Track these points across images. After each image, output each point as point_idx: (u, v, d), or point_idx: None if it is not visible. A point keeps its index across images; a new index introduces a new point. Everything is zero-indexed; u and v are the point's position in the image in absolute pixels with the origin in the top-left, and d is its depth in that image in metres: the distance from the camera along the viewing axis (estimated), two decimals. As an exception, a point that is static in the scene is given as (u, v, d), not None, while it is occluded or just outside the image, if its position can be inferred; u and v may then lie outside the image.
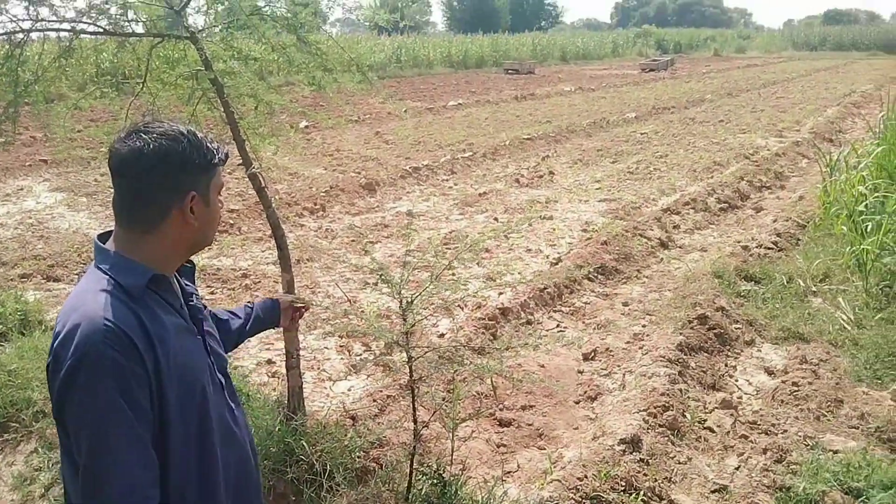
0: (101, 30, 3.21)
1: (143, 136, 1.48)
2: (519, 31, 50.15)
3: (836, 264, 5.73)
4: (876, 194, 6.04)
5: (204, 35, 3.16)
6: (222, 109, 3.20)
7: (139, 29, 3.33)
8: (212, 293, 5.49)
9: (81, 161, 9.16)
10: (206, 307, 1.94)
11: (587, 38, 47.01)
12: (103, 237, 1.58)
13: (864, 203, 6.02)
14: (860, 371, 4.20)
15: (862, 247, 5.40)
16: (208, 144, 1.56)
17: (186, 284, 1.70)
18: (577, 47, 42.60)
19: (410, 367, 2.70)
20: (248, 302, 2.29)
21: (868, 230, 5.63)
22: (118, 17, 3.25)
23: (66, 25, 3.13)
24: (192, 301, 1.67)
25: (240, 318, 2.14)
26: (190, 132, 1.53)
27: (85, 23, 3.23)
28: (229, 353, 2.22)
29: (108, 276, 1.47)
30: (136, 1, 3.18)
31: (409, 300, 2.62)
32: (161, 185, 1.50)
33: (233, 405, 1.71)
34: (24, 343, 4.20)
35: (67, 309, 1.44)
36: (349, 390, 4.07)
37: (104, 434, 1.35)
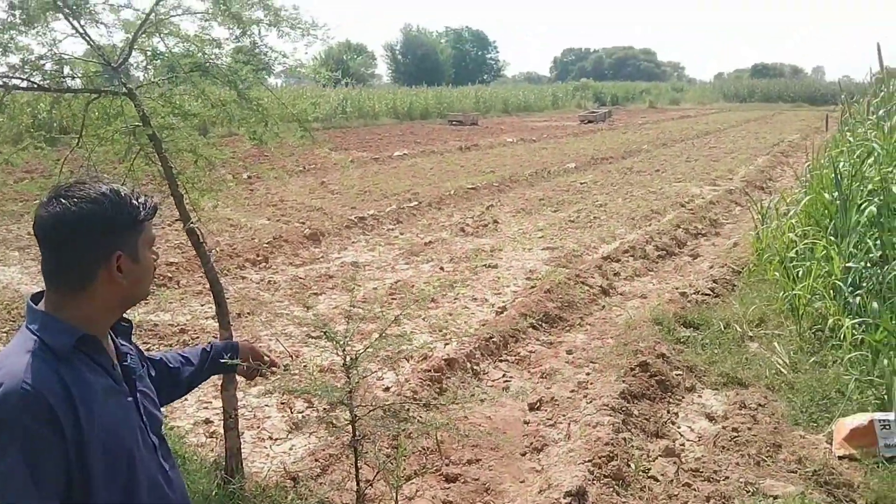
0: (36, 85, 3.15)
1: (64, 201, 1.48)
2: (462, 85, 51.33)
3: (771, 309, 5.91)
4: (805, 241, 6.29)
5: (142, 91, 3.13)
6: (160, 164, 3.16)
7: (76, 84, 3.28)
8: (147, 350, 5.30)
9: (13, 215, 8.86)
10: (149, 360, 1.94)
11: (528, 91, 48.37)
12: (36, 297, 1.57)
13: (795, 250, 6.26)
14: (797, 415, 4.29)
15: (794, 292, 5.60)
16: (133, 201, 1.55)
17: (122, 344, 1.68)
18: (518, 99, 43.78)
19: (354, 426, 2.65)
20: (208, 343, 2.26)
21: (799, 276, 5.84)
22: (54, 72, 3.20)
23: (-3, 81, 3.06)
24: (126, 361, 1.65)
25: (193, 364, 2.11)
26: (112, 192, 1.53)
27: (18, 78, 3.17)
28: (173, 403, 2.22)
29: (35, 337, 1.46)
30: (73, 57, 3.14)
31: (354, 357, 2.58)
32: (85, 248, 1.50)
33: (167, 467, 1.68)
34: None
35: None
36: (290, 450, 3.96)
37: (2, 496, 1.35)
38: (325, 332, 2.70)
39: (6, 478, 1.34)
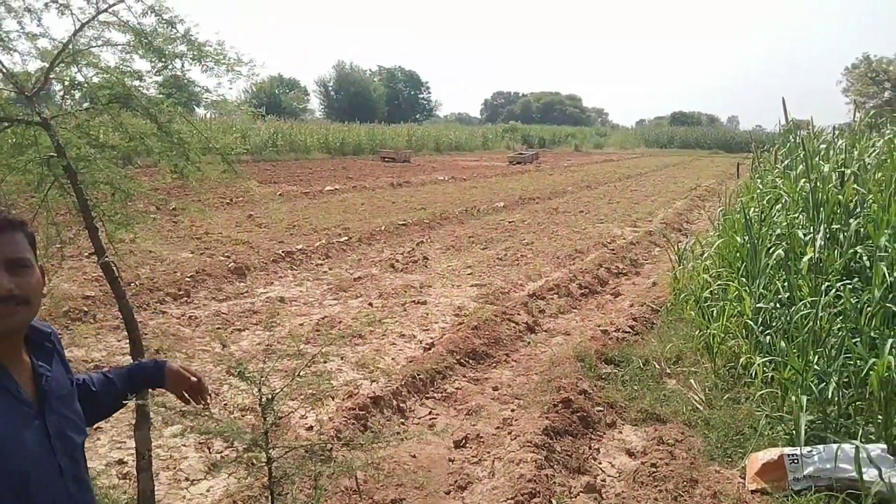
0: (-58, 111, 3.02)
1: None
2: (395, 123, 51.78)
3: (688, 347, 6.09)
4: (719, 282, 6.55)
5: (58, 121, 3.04)
6: (75, 196, 3.06)
7: (-15, 111, 3.16)
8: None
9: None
10: (72, 381, 1.85)
11: (459, 131, 49.22)
12: None
13: (709, 290, 6.50)
14: (712, 450, 4.40)
15: (709, 331, 5.80)
16: None
17: (40, 365, 1.64)
18: (450, 139, 44.45)
19: (270, 469, 2.58)
20: (134, 364, 2.21)
21: (714, 315, 6.06)
22: (-38, 97, 3.07)
23: None
24: (42, 382, 1.61)
25: (117, 386, 2.06)
26: None
27: (-77, 103, 3.03)
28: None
29: None
30: (-17, 83, 3.03)
31: (270, 397, 2.53)
32: None
33: (72, 490, 1.63)
34: None
35: None
36: (208, 491, 3.82)
37: None
38: (238, 372, 2.64)
39: None
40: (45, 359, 1.68)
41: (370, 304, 7.73)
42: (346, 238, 11.28)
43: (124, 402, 2.09)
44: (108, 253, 3.08)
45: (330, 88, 74.98)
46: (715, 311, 6.06)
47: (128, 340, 3.13)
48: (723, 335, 5.68)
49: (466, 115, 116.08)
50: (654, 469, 4.15)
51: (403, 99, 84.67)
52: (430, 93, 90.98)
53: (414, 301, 7.87)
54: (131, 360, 3.16)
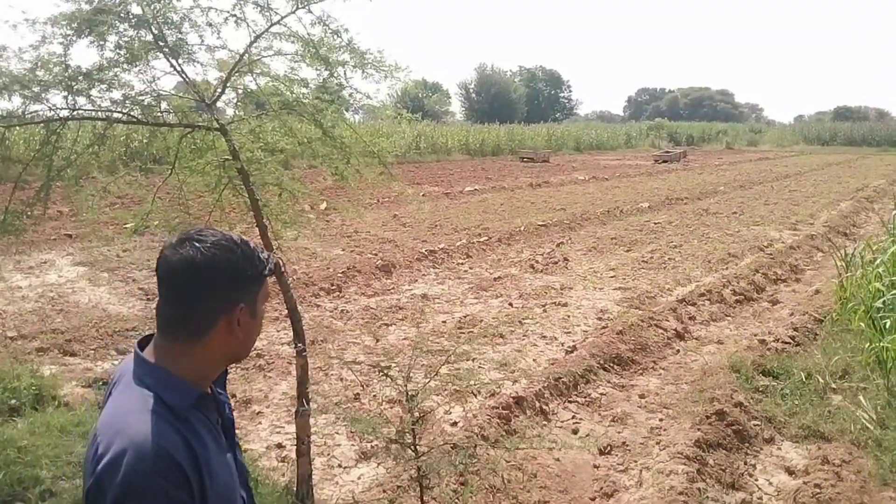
0: (135, 119, 3.35)
1: (196, 244, 1.42)
2: (534, 122, 51.53)
3: (856, 361, 5.63)
4: (893, 291, 5.99)
5: (233, 126, 3.29)
6: (247, 196, 3.30)
7: (171, 118, 3.48)
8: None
9: (105, 239, 9.36)
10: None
11: (601, 130, 48.14)
12: (142, 343, 1.53)
13: (882, 300, 5.97)
14: (885, 474, 4.05)
15: (882, 344, 5.33)
16: (259, 255, 1.51)
17: (219, 393, 1.60)
18: (591, 138, 43.62)
19: (418, 465, 2.64)
20: None
21: (886, 327, 5.56)
22: (151, 106, 3.40)
23: (101, 115, 3.27)
24: (226, 411, 1.58)
25: None
26: (242, 242, 1.49)
27: (120, 112, 3.38)
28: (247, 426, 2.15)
29: (153, 394, 1.39)
30: (170, 93, 3.33)
31: (415, 392, 2.59)
32: (212, 296, 1.44)
33: None
34: (36, 419, 4.18)
35: (109, 429, 1.35)
36: (359, 479, 3.99)
37: None
38: (383, 371, 2.72)
39: None
40: (221, 385, 1.64)
41: (510, 305, 7.75)
42: (486, 238, 11.38)
43: None
44: (275, 249, 3.29)
45: (471, 90, 75.89)
46: (888, 323, 5.57)
47: (286, 330, 3.34)
48: (898, 349, 5.19)
49: (608, 112, 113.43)
50: (817, 490, 3.87)
51: (544, 98, 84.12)
52: (571, 91, 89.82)
53: (554, 303, 7.80)
54: (293, 347, 3.36)
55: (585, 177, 23.32)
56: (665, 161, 31.92)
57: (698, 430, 4.44)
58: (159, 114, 3.43)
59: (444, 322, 7.04)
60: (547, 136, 40.34)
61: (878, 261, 6.84)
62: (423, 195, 16.31)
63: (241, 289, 1.49)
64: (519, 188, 19.46)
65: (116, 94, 3.33)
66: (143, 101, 3.38)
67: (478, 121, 54.56)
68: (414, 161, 28.20)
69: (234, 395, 5.01)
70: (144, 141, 3.58)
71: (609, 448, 4.45)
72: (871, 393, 5.07)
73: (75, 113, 3.35)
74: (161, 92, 3.45)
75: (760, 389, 5.31)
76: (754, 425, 4.70)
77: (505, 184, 20.38)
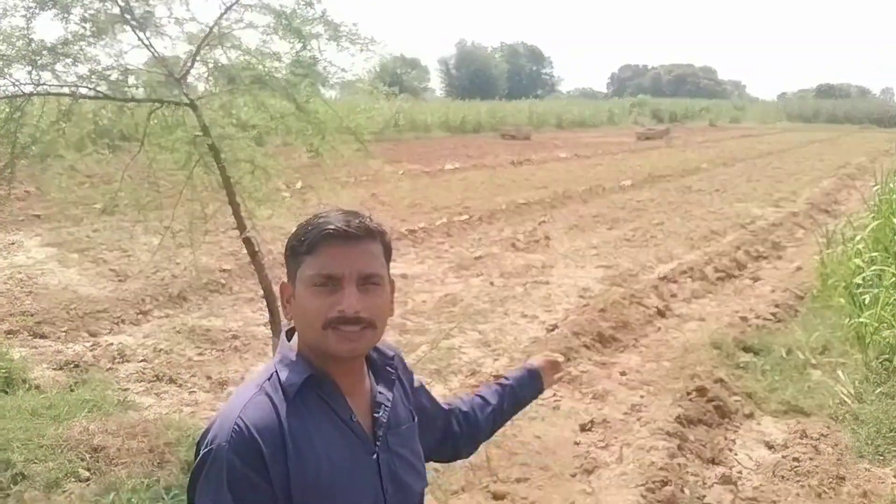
0: (101, 94, 3.25)
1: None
2: (516, 99, 51.32)
3: (835, 337, 5.68)
4: (873, 267, 6.04)
5: (203, 101, 3.19)
6: (219, 173, 3.21)
7: (139, 94, 3.37)
8: (200, 354, 5.41)
9: (74, 219, 9.15)
10: (442, 409, 1.69)
11: (583, 107, 48.07)
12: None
13: (862, 276, 6.02)
14: (862, 447, 4.11)
15: (860, 320, 5.38)
16: (309, 229, 1.37)
17: (380, 392, 1.44)
18: (573, 115, 43.48)
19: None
20: (503, 378, 1.91)
21: (866, 303, 5.61)
22: (119, 81, 3.29)
23: (66, 90, 3.17)
24: (378, 413, 1.41)
25: (490, 403, 1.80)
26: (317, 217, 1.40)
27: (86, 87, 3.27)
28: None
29: (273, 371, 1.36)
30: (138, 67, 3.23)
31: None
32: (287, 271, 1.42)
33: None
34: (6, 402, 4.10)
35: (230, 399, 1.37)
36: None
37: None
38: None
39: None
40: (387, 385, 1.47)
41: (492, 283, 7.71)
42: (467, 217, 11.32)
43: (504, 420, 1.86)
44: (249, 227, 3.22)
45: (451, 66, 75.46)
46: (868, 299, 5.63)
47: (263, 311, 3.29)
48: (876, 325, 5.25)
49: (591, 89, 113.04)
50: (796, 463, 3.93)
51: (525, 75, 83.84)
52: (552, 68, 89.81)
53: (536, 281, 7.78)
54: (269, 329, 3.30)
55: (567, 154, 23.26)
56: (648, 138, 31.94)
57: (679, 406, 4.46)
58: (127, 89, 3.32)
59: (424, 301, 7.00)
60: (529, 113, 40.16)
61: (858, 237, 6.89)
62: (402, 173, 16.20)
63: (288, 266, 1.42)
64: (500, 166, 19.38)
65: (82, 69, 3.23)
66: (109, 75, 3.28)
67: (458, 97, 54.23)
68: (393, 138, 27.94)
69: (209, 377, 4.95)
70: (112, 118, 3.46)
71: (590, 425, 4.44)
72: (850, 368, 5.12)
73: (39, 88, 3.25)
74: (128, 66, 3.34)
75: (741, 366, 5.34)
76: (735, 401, 4.73)
77: (486, 161, 20.27)
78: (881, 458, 4.00)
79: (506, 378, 1.88)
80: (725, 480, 3.79)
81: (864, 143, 30.29)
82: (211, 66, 3.29)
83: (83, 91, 3.27)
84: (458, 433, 1.72)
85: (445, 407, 1.71)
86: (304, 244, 1.36)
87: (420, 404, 1.60)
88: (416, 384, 1.61)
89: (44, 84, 3.24)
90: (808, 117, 55.52)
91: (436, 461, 1.77)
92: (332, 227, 1.34)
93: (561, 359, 1.99)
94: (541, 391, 1.91)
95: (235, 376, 5.02)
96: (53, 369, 4.84)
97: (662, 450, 3.90)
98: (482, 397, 1.80)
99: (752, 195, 14.34)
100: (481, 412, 1.77)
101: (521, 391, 1.86)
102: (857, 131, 42.81)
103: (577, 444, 4.25)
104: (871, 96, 78.83)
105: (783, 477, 3.82)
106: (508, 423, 1.90)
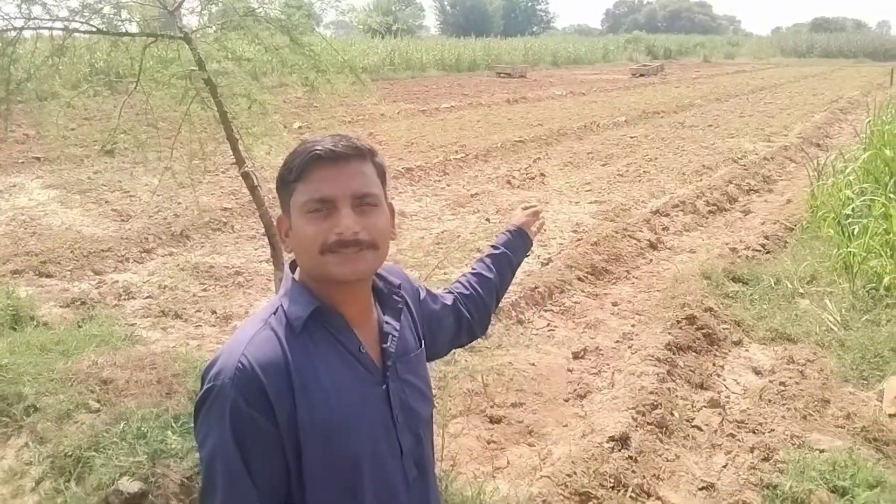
0: (94, 29, 3.23)
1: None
2: (511, 36, 50.39)
3: (824, 267, 5.78)
4: (863, 198, 6.11)
5: (198, 35, 3.18)
6: (215, 109, 3.23)
7: (133, 28, 3.36)
8: (205, 290, 5.51)
9: (75, 159, 9.11)
10: (449, 306, 1.69)
11: (578, 44, 47.20)
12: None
13: (851, 207, 6.09)
14: (846, 371, 4.24)
15: (849, 249, 5.47)
16: (297, 156, 1.32)
17: (387, 322, 1.41)
18: (568, 52, 42.79)
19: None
20: (492, 247, 1.90)
21: (854, 233, 5.69)
22: (112, 16, 3.27)
23: (58, 24, 3.15)
24: (386, 344, 1.38)
25: (488, 276, 1.81)
26: (308, 142, 1.33)
27: (78, 21, 3.25)
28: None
29: (278, 305, 1.32)
30: (130, 1, 3.20)
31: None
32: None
33: (411, 475, 1.40)
34: (15, 338, 4.19)
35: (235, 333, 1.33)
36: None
37: (212, 473, 1.22)
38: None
39: (217, 454, 1.21)
40: (393, 314, 1.43)
41: (488, 220, 7.79)
42: (463, 155, 11.30)
43: (506, 286, 1.87)
44: (248, 163, 3.26)
45: (445, 3, 73.68)
46: (857, 230, 5.72)
47: (264, 248, 3.35)
48: (864, 254, 5.35)
49: (586, 26, 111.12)
50: (782, 388, 4.05)
51: (520, 11, 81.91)
52: (547, 4, 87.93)
53: (532, 217, 7.83)
54: (272, 265, 3.37)
55: (563, 92, 23.01)
56: (642, 75, 31.52)
57: (669, 334, 4.58)
58: (119, 23, 3.31)
59: (421, 238, 7.08)
60: (524, 51, 39.50)
61: (848, 169, 6.94)
62: (398, 112, 16.05)
63: (280, 198, 1.37)
64: (496, 104, 19.21)
65: (74, 3, 3.21)
66: (101, 9, 3.26)
67: (453, 35, 53.23)
68: (388, 78, 27.57)
69: (214, 312, 5.06)
70: (107, 52, 3.45)
71: (583, 353, 4.58)
72: (837, 296, 5.22)
73: (30, 23, 3.23)
74: (121, 0, 3.32)
75: (730, 295, 5.45)
76: (723, 329, 4.85)
77: (482, 100, 20.08)
78: (865, 382, 4.13)
79: (494, 247, 1.88)
80: (713, 404, 3.92)
81: (857, 78, 29.98)
82: (204, -1, 3.27)
83: (75, 25, 3.25)
84: (469, 318, 1.74)
85: (450, 300, 1.72)
86: (293, 171, 1.30)
87: (430, 312, 1.63)
88: (421, 297, 1.61)
89: (35, 18, 3.22)
90: (803, 52, 54.73)
91: (458, 346, 1.81)
92: (319, 149, 1.28)
93: (538, 207, 2.01)
94: (530, 246, 1.95)
95: (240, 310, 5.13)
96: (60, 307, 4.94)
97: (652, 375, 4.03)
98: (478, 274, 1.82)
99: (745, 130, 14.30)
100: (483, 289, 1.79)
101: (514, 253, 1.88)
102: (852, 65, 42.29)
103: (570, 371, 4.40)
104: (866, 30, 77.58)
105: (770, 401, 3.95)
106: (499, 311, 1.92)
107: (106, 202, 7.92)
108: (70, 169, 9.12)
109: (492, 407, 3.86)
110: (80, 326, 4.53)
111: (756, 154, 11.53)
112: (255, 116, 3.43)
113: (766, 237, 6.84)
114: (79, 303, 4.98)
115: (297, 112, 3.92)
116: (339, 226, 1.26)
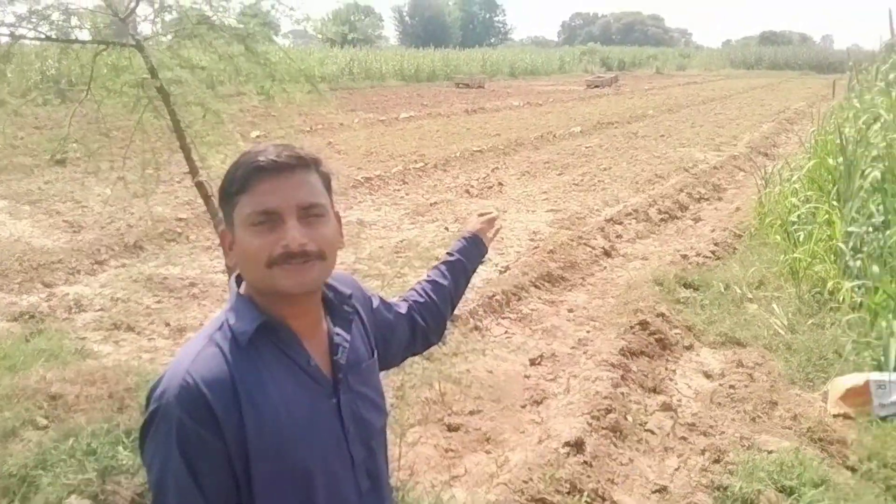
0: (43, 36, 3.18)
1: None
2: (469, 47, 50.81)
3: (771, 272, 5.94)
4: (807, 205, 6.31)
5: (150, 43, 3.15)
6: (169, 118, 3.20)
7: (84, 35, 3.31)
8: (158, 302, 5.41)
9: (24, 168, 8.85)
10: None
11: (535, 55, 47.87)
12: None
13: (797, 214, 6.29)
14: (793, 374, 4.36)
15: (794, 255, 5.64)
16: (239, 167, 1.28)
17: (337, 333, 1.38)
18: (525, 63, 43.36)
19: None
20: (447, 254, 1.88)
21: (800, 240, 5.87)
22: (61, 23, 3.22)
23: (4, 30, 3.09)
24: (337, 355, 1.36)
25: (443, 283, 1.80)
26: (251, 153, 1.29)
27: (25, 28, 3.19)
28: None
29: (223, 320, 1.28)
30: (80, 8, 3.16)
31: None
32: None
33: (363, 487, 1.38)
34: (-42, 354, 4.07)
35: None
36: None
37: (164, 492, 1.21)
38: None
39: (166, 474, 1.19)
40: (344, 325, 1.40)
41: (446, 229, 7.82)
42: (422, 164, 11.34)
43: (461, 293, 1.85)
44: (202, 173, 3.23)
45: (405, 14, 74.00)
46: (802, 236, 5.90)
47: (220, 259, 3.32)
48: (809, 260, 5.53)
49: (543, 38, 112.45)
50: (732, 391, 4.15)
51: (478, 23, 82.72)
52: (505, 16, 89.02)
53: (489, 225, 7.89)
54: (227, 275, 3.34)
55: (520, 102, 23.27)
56: (597, 86, 32.05)
57: (623, 339, 4.65)
58: (70, 30, 3.26)
59: (380, 247, 7.07)
60: (482, 62, 39.89)
61: (794, 177, 7.17)
62: (357, 122, 16.03)
63: (224, 211, 1.32)
64: (454, 114, 19.32)
65: (21, 8, 3.15)
66: (50, 15, 3.20)
67: (412, 45, 53.39)
68: (347, 87, 27.51)
69: (168, 324, 4.98)
70: (57, 61, 3.39)
71: (539, 359, 4.63)
72: (784, 301, 5.37)
73: (-25, 29, 3.16)
74: (70, 6, 3.27)
75: (682, 301, 5.56)
76: (675, 334, 4.95)
77: (441, 110, 20.19)
78: (811, 383, 4.26)
79: (449, 254, 1.87)
80: (666, 407, 4.00)
81: (803, 89, 31.01)
82: (157, 5, 3.24)
83: (23, 32, 3.19)
84: (424, 326, 1.73)
85: (404, 308, 1.71)
86: (235, 183, 1.26)
87: (383, 320, 1.61)
88: (374, 305, 1.60)
89: (-20, 25, 3.15)
90: (752, 64, 56.43)
91: (413, 355, 1.80)
92: (262, 159, 1.24)
93: (494, 213, 1.99)
94: (485, 253, 1.93)
95: (194, 322, 5.06)
96: (7, 321, 4.80)
97: (607, 380, 4.10)
98: (433, 281, 1.80)
99: (696, 140, 14.66)
100: (438, 296, 1.77)
101: (469, 260, 1.87)
102: (798, 77, 43.72)
103: (526, 377, 4.44)
104: (811, 43, 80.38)
105: (720, 403, 4.05)
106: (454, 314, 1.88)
107: (57, 213, 7.72)
108: (19, 179, 8.87)
109: (449, 415, 3.88)
110: (28, 340, 4.42)
111: (706, 163, 11.83)
112: (210, 125, 3.40)
113: (716, 244, 7.01)
114: (27, 316, 4.85)
115: (254, 121, 3.89)
116: (286, 238, 1.23)
